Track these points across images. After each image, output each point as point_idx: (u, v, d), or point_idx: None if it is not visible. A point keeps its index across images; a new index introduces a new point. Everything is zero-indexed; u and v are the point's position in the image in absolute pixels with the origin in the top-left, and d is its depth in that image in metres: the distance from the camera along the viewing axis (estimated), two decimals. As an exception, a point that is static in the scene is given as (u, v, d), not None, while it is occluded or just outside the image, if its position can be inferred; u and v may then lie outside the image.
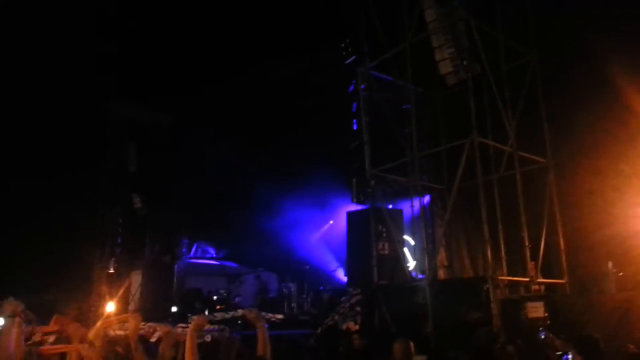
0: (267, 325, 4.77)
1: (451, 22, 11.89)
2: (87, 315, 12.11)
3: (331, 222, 19.07)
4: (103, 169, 16.69)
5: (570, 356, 6.14)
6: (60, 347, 4.62)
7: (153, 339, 4.91)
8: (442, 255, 14.17)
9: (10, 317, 3.94)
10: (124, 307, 15.10)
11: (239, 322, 9.33)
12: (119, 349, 4.84)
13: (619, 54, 10.68)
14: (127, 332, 4.64)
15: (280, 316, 8.61)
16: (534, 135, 12.32)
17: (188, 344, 4.34)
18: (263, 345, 4.56)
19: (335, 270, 17.02)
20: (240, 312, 5.09)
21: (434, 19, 12.17)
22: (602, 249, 11.01)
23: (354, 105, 15.12)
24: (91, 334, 4.42)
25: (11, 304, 4.02)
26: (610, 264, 10.63)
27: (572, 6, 11.46)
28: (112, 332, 4.90)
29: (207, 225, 18.48)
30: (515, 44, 12.45)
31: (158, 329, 4.87)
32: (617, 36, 10.72)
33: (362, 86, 13.82)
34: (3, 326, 3.99)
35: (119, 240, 16.91)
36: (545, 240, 11.58)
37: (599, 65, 10.89)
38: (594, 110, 11.17)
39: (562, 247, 11.80)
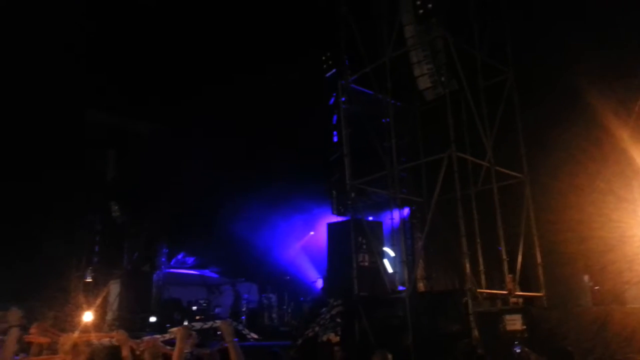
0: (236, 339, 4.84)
1: (430, 39, 12.12)
2: (64, 325, 11.95)
3: (312, 233, 19.14)
4: (81, 176, 16.54)
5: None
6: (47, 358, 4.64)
7: (138, 352, 4.93)
8: (421, 268, 14.33)
9: (15, 326, 4.00)
10: (101, 316, 14.96)
11: (218, 332, 9.33)
12: None
13: (594, 75, 11.02)
14: (113, 341, 4.72)
15: (255, 336, 8.67)
16: (511, 151, 12.58)
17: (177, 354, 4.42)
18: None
19: (315, 282, 17.06)
20: (218, 322, 5.16)
21: (413, 35, 12.39)
22: (580, 263, 11.32)
23: (334, 117, 15.27)
24: (67, 346, 4.44)
25: (16, 313, 4.06)
26: (586, 278, 10.92)
27: (549, 28, 11.77)
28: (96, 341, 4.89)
29: (186, 235, 18.37)
30: (493, 62, 12.72)
31: (144, 341, 4.92)
32: (592, 58, 11.07)
33: (343, 99, 13.94)
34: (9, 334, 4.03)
35: (97, 249, 16.73)
36: (523, 253, 11.82)
37: (574, 86, 11.24)
38: (569, 129, 11.55)
39: (540, 260, 12.05)
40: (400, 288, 13.51)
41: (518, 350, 8.01)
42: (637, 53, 10.85)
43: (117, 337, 4.76)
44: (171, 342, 5.06)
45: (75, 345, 4.40)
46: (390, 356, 6.20)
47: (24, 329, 4.67)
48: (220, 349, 5.37)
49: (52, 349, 4.73)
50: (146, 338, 4.92)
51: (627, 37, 11.10)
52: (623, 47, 11.17)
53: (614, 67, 11.10)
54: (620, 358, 7.03)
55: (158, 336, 5.23)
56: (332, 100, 15.32)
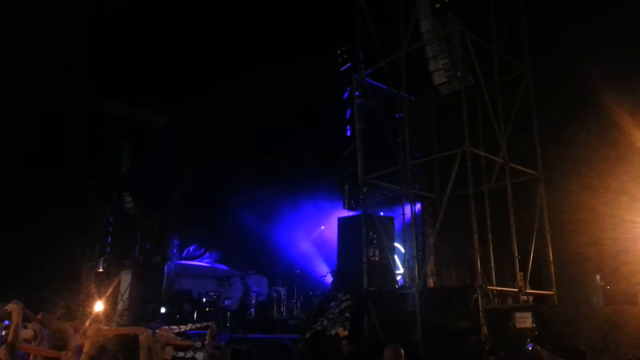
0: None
1: (446, 33, 12.01)
2: (75, 314, 12.04)
3: (322, 227, 19.10)
4: (95, 168, 16.67)
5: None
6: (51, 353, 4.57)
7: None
8: (432, 264, 14.25)
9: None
10: (112, 306, 15.07)
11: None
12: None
13: (610, 75, 10.90)
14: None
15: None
16: (526, 148, 12.47)
17: None
18: None
19: (325, 276, 17.03)
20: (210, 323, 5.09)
21: (429, 30, 12.28)
22: (592, 264, 11.22)
23: (348, 112, 15.21)
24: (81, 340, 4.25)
25: (17, 304, 4.01)
26: (598, 277, 10.80)
27: (567, 26, 11.64)
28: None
29: (198, 227, 18.43)
30: (510, 57, 12.59)
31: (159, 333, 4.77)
32: (609, 58, 10.95)
33: (357, 93, 13.90)
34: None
35: (110, 240, 16.86)
36: (535, 251, 11.71)
37: (590, 85, 11.12)
38: (584, 128, 11.45)
39: (551, 259, 11.93)
40: (400, 281, 13.43)
41: (530, 348, 7.93)
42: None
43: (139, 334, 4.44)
44: (184, 334, 5.06)
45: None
46: (402, 351, 6.16)
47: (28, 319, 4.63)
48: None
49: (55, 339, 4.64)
50: (161, 329, 4.76)
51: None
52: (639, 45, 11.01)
53: (630, 67, 10.95)
54: (630, 357, 6.92)
55: (174, 327, 5.22)
56: (346, 95, 15.26)
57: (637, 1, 11.17)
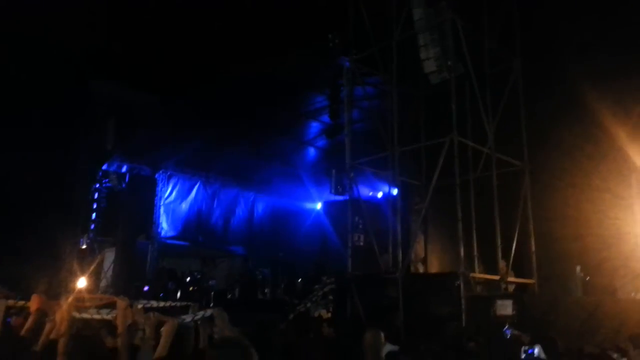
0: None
1: (438, 21, 12.06)
2: (57, 290, 12.02)
3: (309, 210, 19.19)
4: (80, 144, 16.50)
5: (536, 349, 6.36)
6: None
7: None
8: (417, 250, 14.42)
9: None
10: (95, 283, 15.06)
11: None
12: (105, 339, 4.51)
13: (595, 74, 11.09)
14: (108, 317, 4.29)
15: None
16: (513, 139, 12.65)
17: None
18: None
19: (311, 259, 17.16)
20: (209, 312, 4.58)
21: (421, 18, 12.31)
22: (575, 258, 11.47)
23: (338, 97, 15.22)
24: (58, 315, 4.13)
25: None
26: (578, 269, 11.05)
27: (558, 23, 11.77)
28: (85, 315, 4.44)
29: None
30: (500, 48, 12.70)
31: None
32: (594, 57, 11.16)
33: (347, 80, 13.91)
34: None
35: (93, 217, 16.78)
36: (517, 241, 11.92)
37: (576, 83, 11.30)
38: (569, 126, 11.71)
39: (533, 248, 12.17)
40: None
41: (508, 333, 8.11)
42: (637, 52, 10.88)
43: (118, 302, 4.24)
44: (167, 311, 4.87)
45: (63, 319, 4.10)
46: (382, 334, 6.26)
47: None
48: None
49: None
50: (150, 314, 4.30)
51: (627, 38, 11.12)
52: (624, 47, 11.19)
53: (614, 67, 11.14)
54: (610, 346, 7.13)
55: (153, 302, 5.08)
56: (339, 82, 15.24)
57: (623, 3, 11.33)
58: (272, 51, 14.86)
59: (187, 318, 4.46)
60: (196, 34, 14.56)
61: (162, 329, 4.07)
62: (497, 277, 11.28)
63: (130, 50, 14.98)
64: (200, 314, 4.51)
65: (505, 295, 10.11)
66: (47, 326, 4.25)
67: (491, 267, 11.67)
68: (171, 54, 15.10)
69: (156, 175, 17.49)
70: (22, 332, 4.35)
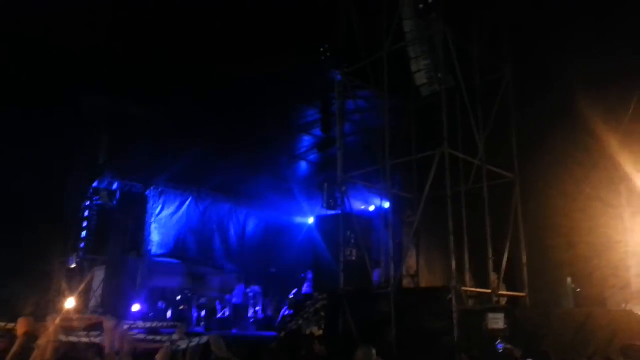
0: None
1: (428, 34, 12.04)
2: (45, 311, 11.80)
3: (301, 224, 19.04)
4: (71, 160, 16.35)
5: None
6: None
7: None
8: (409, 264, 14.26)
9: None
10: (84, 303, 14.85)
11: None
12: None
13: (586, 82, 11.06)
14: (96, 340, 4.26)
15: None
16: (503, 152, 12.59)
17: None
18: None
19: (302, 275, 16.95)
20: (205, 338, 4.65)
21: (412, 30, 12.30)
22: (566, 267, 11.35)
23: (329, 110, 15.16)
24: (44, 339, 4.13)
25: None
26: (569, 280, 10.93)
27: (548, 32, 11.78)
28: (72, 338, 4.41)
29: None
30: (490, 57, 12.70)
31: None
32: (585, 65, 11.13)
33: (338, 93, 13.85)
34: None
35: (83, 235, 16.58)
36: (509, 254, 11.81)
37: (567, 92, 11.28)
38: (560, 135, 11.64)
39: (525, 261, 12.04)
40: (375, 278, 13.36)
41: (501, 347, 7.99)
42: (627, 61, 10.87)
43: (105, 323, 4.27)
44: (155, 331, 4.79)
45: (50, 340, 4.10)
46: (374, 351, 6.13)
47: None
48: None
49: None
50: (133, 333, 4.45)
51: (618, 45, 11.12)
52: (614, 55, 11.19)
53: (604, 75, 11.13)
54: (601, 359, 7.00)
55: (140, 323, 5.04)
56: (330, 95, 15.19)
57: (612, 11, 11.34)
58: (261, 61, 14.85)
59: (182, 345, 4.40)
60: (186, 38, 14.54)
61: (157, 356, 4.11)
62: (488, 291, 11.13)
63: (130, 50, 14.90)
64: (195, 340, 4.50)
65: (497, 309, 9.96)
66: (34, 354, 4.20)
67: (483, 280, 11.54)
68: (167, 57, 15.04)
69: (147, 192, 17.28)
70: (8, 358, 4.26)
